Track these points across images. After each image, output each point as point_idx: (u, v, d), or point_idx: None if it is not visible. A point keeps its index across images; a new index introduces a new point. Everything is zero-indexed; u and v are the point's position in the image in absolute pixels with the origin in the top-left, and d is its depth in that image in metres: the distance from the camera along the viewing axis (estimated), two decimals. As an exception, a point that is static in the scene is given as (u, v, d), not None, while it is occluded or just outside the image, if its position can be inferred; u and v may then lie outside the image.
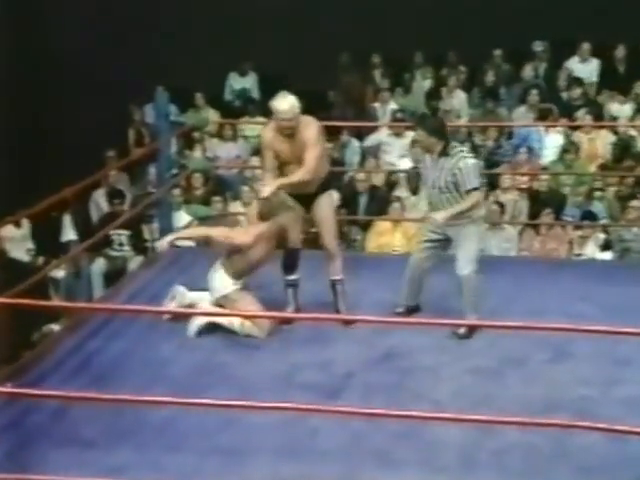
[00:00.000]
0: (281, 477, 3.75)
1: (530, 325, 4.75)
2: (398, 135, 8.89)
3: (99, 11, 9.98)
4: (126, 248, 7.50)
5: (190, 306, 5.10)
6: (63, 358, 4.77)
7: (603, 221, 7.44)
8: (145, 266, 6.46)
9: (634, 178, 7.86)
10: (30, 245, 7.61)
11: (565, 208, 7.71)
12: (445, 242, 5.09)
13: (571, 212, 7.62)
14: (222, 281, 4.95)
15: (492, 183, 8.19)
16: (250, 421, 4.02)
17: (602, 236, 7.23)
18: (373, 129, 9.22)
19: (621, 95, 9.20)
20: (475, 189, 4.92)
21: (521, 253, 7.32)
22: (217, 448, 3.91)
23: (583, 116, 8.74)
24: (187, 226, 7.20)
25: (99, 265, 7.32)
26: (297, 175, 4.96)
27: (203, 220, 7.18)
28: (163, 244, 5.18)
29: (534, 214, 7.63)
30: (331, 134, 8.46)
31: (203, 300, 5.08)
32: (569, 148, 8.29)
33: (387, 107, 9.57)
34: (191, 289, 5.19)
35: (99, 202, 8.42)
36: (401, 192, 8.01)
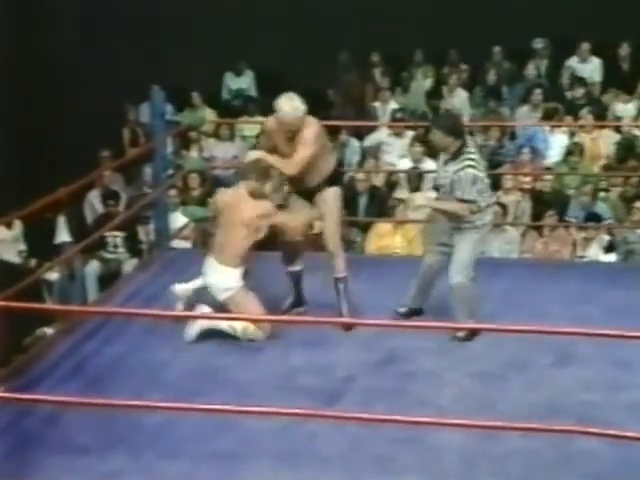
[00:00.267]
0: (279, 483, 3.75)
1: (532, 328, 4.76)
2: (398, 135, 8.90)
3: (95, 9, 9.98)
4: (121, 250, 7.51)
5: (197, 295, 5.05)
6: (57, 362, 4.77)
7: (607, 222, 7.44)
8: (140, 268, 6.47)
9: (639, 178, 7.87)
10: (22, 247, 7.60)
11: (568, 209, 7.72)
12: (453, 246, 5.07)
13: (575, 213, 7.63)
14: (227, 277, 4.93)
15: (494, 184, 8.20)
16: (248, 426, 4.01)
17: (606, 238, 7.23)
18: (373, 129, 9.23)
19: (626, 94, 9.21)
20: (465, 201, 4.85)
21: (523, 255, 7.32)
22: (214, 454, 3.91)
23: (585, 115, 8.75)
24: (183, 228, 7.20)
25: (93, 267, 7.32)
26: (281, 163, 4.95)
27: (199, 222, 7.18)
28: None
29: (537, 215, 7.63)
30: (330, 134, 8.48)
31: (202, 300, 5.07)
32: (573, 150, 8.29)
33: (387, 106, 9.58)
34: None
35: (93, 203, 8.42)
36: (402, 193, 8.02)
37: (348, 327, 4.99)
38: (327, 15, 9.92)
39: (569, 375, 4.60)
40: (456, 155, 4.87)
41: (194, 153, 9.03)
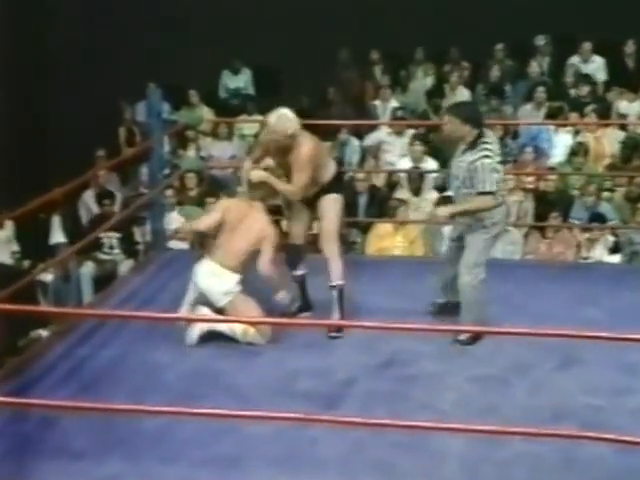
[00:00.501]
0: (279, 489, 3.77)
1: (535, 331, 4.77)
2: (399, 134, 8.91)
3: (92, 7, 9.98)
4: (116, 251, 7.52)
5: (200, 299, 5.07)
6: (52, 365, 4.78)
7: (612, 223, 7.45)
8: (136, 270, 6.48)
9: (644, 178, 7.89)
10: (15, 247, 7.61)
11: (572, 210, 7.73)
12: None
13: (578, 214, 7.64)
14: (227, 281, 4.94)
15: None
16: (247, 431, 4.02)
17: (611, 239, 7.25)
18: (373, 127, 9.24)
19: (631, 92, 9.23)
20: (487, 193, 4.82)
21: (526, 257, 7.33)
22: (213, 458, 3.91)
23: (588, 114, 8.76)
24: (180, 228, 7.21)
25: (89, 269, 7.33)
26: (284, 187, 5.04)
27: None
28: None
29: (540, 216, 7.64)
30: (330, 133, 8.50)
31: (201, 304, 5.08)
32: (578, 149, 8.30)
33: (388, 105, 9.59)
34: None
35: (88, 203, 8.42)
36: (402, 193, 8.03)
37: (333, 330, 5.01)
38: (326, 12, 9.94)
39: (573, 379, 4.61)
40: (473, 145, 4.85)
41: (191, 152, 9.04)
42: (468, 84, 9.79)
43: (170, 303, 5.27)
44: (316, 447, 3.98)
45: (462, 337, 4.93)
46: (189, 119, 7.35)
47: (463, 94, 9.62)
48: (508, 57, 9.97)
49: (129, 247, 7.52)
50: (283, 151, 5.01)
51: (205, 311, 4.98)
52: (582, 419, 4.14)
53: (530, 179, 8.15)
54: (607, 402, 4.36)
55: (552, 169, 8.41)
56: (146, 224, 7.33)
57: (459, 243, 5.07)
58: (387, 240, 7.37)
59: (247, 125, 9.47)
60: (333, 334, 5.01)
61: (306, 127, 5.12)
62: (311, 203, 5.17)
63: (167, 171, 7.28)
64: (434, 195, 7.99)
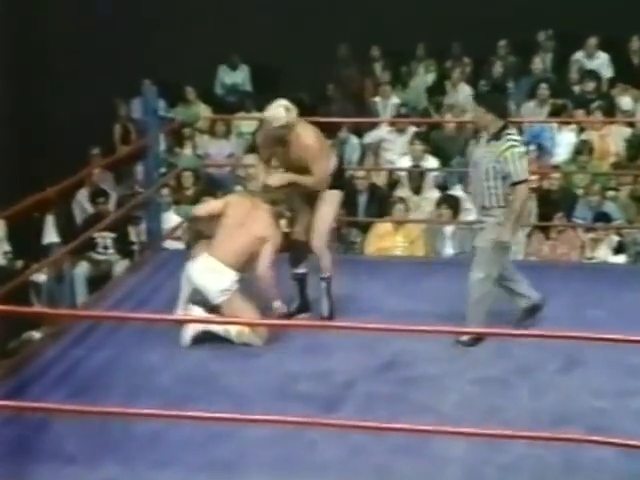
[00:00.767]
0: (276, 494, 3.76)
1: (539, 333, 4.77)
2: (400, 132, 8.90)
3: (85, 2, 9.98)
4: (111, 251, 7.50)
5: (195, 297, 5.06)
6: (45, 367, 4.77)
7: (616, 223, 7.44)
8: (131, 270, 6.47)
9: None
10: (6, 247, 7.59)
11: (576, 209, 7.72)
12: None
13: (583, 213, 7.63)
14: (225, 278, 4.93)
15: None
16: (244, 434, 4.02)
17: (615, 239, 7.24)
18: (373, 125, 9.23)
19: (636, 89, 9.22)
20: (523, 182, 4.85)
21: (529, 257, 7.32)
22: (209, 463, 3.91)
23: (594, 111, 8.75)
24: (176, 228, 7.20)
25: (83, 269, 7.32)
26: (306, 180, 5.09)
27: (193, 222, 7.16)
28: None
29: (543, 215, 7.63)
30: (330, 130, 8.49)
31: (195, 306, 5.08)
32: (582, 147, 8.28)
33: (388, 102, 9.59)
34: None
35: (82, 203, 8.42)
36: (403, 192, 8.02)
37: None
38: (325, 7, 9.93)
39: (577, 381, 4.61)
40: (497, 136, 4.88)
41: (188, 150, 9.03)
42: (470, 81, 9.78)
43: (166, 304, 5.27)
44: (315, 451, 3.97)
45: (464, 338, 4.93)
46: (186, 116, 7.34)
47: (465, 91, 9.62)
48: (511, 53, 9.96)
49: (124, 247, 7.51)
50: (282, 143, 5.04)
51: (199, 312, 4.97)
52: (586, 422, 4.13)
53: (533, 178, 8.13)
54: (611, 405, 4.36)
55: (556, 168, 8.40)
56: (141, 223, 7.32)
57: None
58: (387, 240, 7.36)
59: (245, 123, 9.46)
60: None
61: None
62: (313, 197, 5.19)
63: (163, 169, 7.27)
64: (435, 194, 7.98)
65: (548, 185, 8.03)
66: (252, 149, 8.90)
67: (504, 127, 4.90)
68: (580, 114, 8.71)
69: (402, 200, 7.53)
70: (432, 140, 8.77)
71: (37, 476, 3.83)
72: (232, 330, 4.92)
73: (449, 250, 7.38)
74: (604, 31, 9.53)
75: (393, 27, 9.72)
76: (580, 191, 7.90)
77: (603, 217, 7.39)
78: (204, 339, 4.94)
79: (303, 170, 5.09)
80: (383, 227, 7.46)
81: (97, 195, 7.87)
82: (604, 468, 3.82)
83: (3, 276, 5.82)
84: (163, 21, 10.06)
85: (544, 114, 9.00)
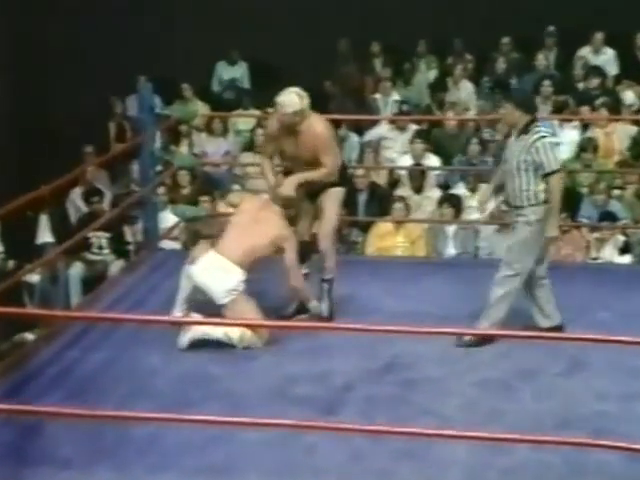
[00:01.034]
0: (274, 498, 3.76)
1: (543, 335, 4.78)
2: (401, 129, 8.90)
3: (85, 3, 9.97)
4: (106, 251, 7.50)
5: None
6: (38, 370, 4.78)
7: (622, 222, 7.45)
8: (127, 271, 6.48)
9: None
10: (-1, 247, 7.60)
11: (581, 208, 7.72)
12: None
13: (588, 213, 7.63)
14: (232, 277, 4.94)
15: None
16: (242, 438, 4.02)
17: (621, 238, 7.24)
18: (373, 123, 9.23)
19: (640, 85, 9.24)
20: (556, 171, 4.87)
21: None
22: (205, 467, 3.91)
23: (599, 108, 8.75)
24: (173, 228, 7.20)
25: (77, 269, 7.32)
26: (317, 174, 5.11)
27: (190, 221, 7.18)
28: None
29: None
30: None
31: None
32: (586, 145, 8.28)
33: (389, 99, 9.59)
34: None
35: (76, 202, 8.42)
36: (404, 191, 8.02)
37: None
38: (325, 2, 9.93)
39: (581, 384, 4.61)
40: (525, 130, 4.90)
41: (184, 149, 9.03)
42: (472, 77, 9.78)
43: (162, 305, 5.28)
44: (314, 455, 3.97)
45: (467, 337, 4.94)
46: (182, 113, 7.33)
47: (467, 87, 9.62)
48: (514, 50, 9.96)
49: (119, 247, 7.51)
50: (293, 132, 5.06)
51: (197, 318, 4.96)
52: (589, 425, 4.14)
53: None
54: (615, 408, 4.37)
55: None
56: (137, 223, 7.32)
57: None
58: (388, 240, 7.36)
59: (242, 120, 9.46)
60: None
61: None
62: (316, 194, 5.21)
63: (159, 168, 7.27)
64: (436, 193, 7.98)
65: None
66: (249, 147, 8.91)
67: (532, 121, 4.93)
68: (584, 111, 8.71)
69: (402, 199, 7.54)
70: (433, 138, 8.77)
71: (30, 481, 3.84)
72: (234, 336, 4.91)
73: (451, 250, 7.39)
74: (608, 27, 9.54)
75: (394, 22, 9.73)
76: (585, 190, 7.90)
77: (608, 216, 7.39)
78: (203, 342, 4.94)
79: (313, 161, 5.11)
80: (384, 227, 7.46)
81: (91, 194, 7.87)
82: (607, 472, 3.83)
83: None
84: (160, 18, 10.06)
85: (548, 111, 9.00)
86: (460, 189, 7.99)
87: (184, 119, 7.46)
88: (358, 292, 5.63)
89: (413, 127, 8.90)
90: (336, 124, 8.78)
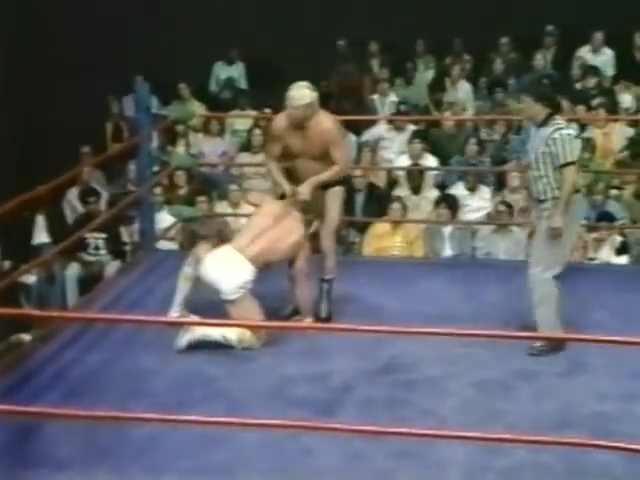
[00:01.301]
0: (272, 500, 3.76)
1: (541, 335, 4.77)
2: (399, 129, 8.90)
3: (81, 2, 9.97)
4: (103, 252, 7.50)
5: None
6: (34, 371, 4.76)
7: (620, 222, 7.45)
8: (123, 271, 6.47)
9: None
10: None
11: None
12: None
13: (585, 213, 7.62)
14: (244, 274, 4.93)
15: (499, 182, 8.21)
16: (239, 439, 4.01)
17: (619, 238, 7.24)
18: (371, 123, 9.23)
19: (638, 85, 9.23)
20: (571, 163, 4.82)
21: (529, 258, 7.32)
22: (203, 469, 3.90)
23: (597, 108, 8.75)
24: (169, 228, 7.19)
25: (74, 270, 7.31)
26: (331, 173, 5.14)
27: (187, 222, 7.17)
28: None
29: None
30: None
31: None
32: (584, 145, 8.28)
33: (386, 99, 9.59)
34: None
35: (73, 202, 8.41)
36: (402, 191, 8.02)
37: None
38: (322, 2, 9.93)
39: (580, 385, 4.61)
40: (544, 123, 4.88)
41: (181, 149, 9.03)
42: (470, 77, 9.79)
43: (159, 306, 5.27)
44: (312, 456, 3.97)
45: (536, 344, 4.85)
46: (179, 114, 7.32)
47: (465, 88, 9.63)
48: (512, 50, 9.97)
49: (116, 248, 7.50)
50: (301, 128, 5.08)
51: (195, 319, 4.95)
52: (589, 426, 4.13)
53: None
54: (616, 408, 4.37)
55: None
56: (134, 223, 7.31)
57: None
58: (385, 240, 7.36)
59: (239, 120, 9.46)
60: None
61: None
62: (314, 195, 5.21)
63: (156, 168, 7.27)
64: (434, 193, 7.98)
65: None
66: (246, 147, 8.91)
67: (552, 114, 4.90)
68: (580, 110, 8.72)
69: (400, 199, 7.54)
70: (431, 138, 8.77)
71: (26, 483, 3.83)
72: (233, 337, 4.90)
73: (447, 251, 7.39)
74: (607, 27, 9.55)
75: (392, 22, 9.73)
76: (582, 190, 7.89)
77: (606, 216, 7.39)
78: (200, 343, 4.93)
79: (320, 157, 5.13)
80: (381, 227, 7.46)
81: (88, 194, 7.86)
82: (607, 472, 3.83)
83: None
84: (158, 18, 10.05)
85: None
86: (459, 188, 8.00)
87: (181, 119, 7.44)
88: (356, 293, 5.62)
89: (411, 127, 8.90)
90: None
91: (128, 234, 7.57)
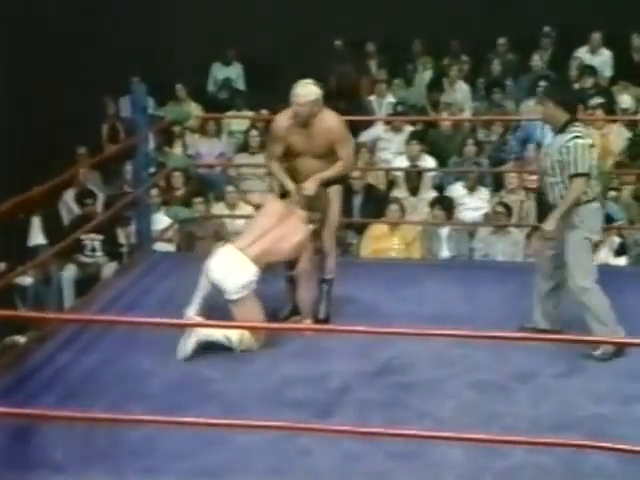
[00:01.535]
0: (269, 502, 3.76)
1: (539, 336, 4.78)
2: (397, 130, 8.90)
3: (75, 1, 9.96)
4: (99, 253, 7.50)
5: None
6: (30, 373, 4.76)
7: (618, 223, 7.45)
8: (120, 273, 6.47)
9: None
10: (-12, 249, 7.58)
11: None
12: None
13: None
14: (248, 273, 4.93)
15: (497, 182, 8.21)
16: (236, 441, 4.01)
17: (617, 240, 7.24)
18: (368, 124, 9.24)
19: (637, 86, 9.24)
20: (581, 175, 4.76)
21: (528, 259, 7.33)
22: (200, 470, 3.90)
23: (595, 109, 8.75)
24: (166, 230, 7.19)
25: (70, 272, 7.31)
26: (336, 170, 5.16)
27: (184, 223, 7.18)
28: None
29: (543, 215, 7.61)
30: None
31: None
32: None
33: (384, 100, 9.60)
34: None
35: (69, 203, 8.41)
36: (400, 193, 8.03)
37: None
38: (320, 2, 9.94)
39: (579, 386, 4.61)
40: (563, 129, 4.84)
41: (177, 150, 9.03)
42: (468, 78, 9.80)
43: (155, 307, 5.28)
44: (308, 458, 3.97)
45: (598, 352, 4.80)
46: (176, 115, 7.32)
47: (463, 89, 9.64)
48: (510, 51, 9.98)
49: (112, 249, 7.50)
50: (305, 125, 5.08)
51: (196, 320, 4.95)
52: (587, 428, 4.14)
53: (533, 177, 8.15)
54: (613, 410, 4.37)
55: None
56: (130, 225, 7.31)
57: (555, 252, 4.96)
58: (383, 242, 7.36)
59: (236, 121, 9.47)
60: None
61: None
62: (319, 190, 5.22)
63: (152, 169, 7.26)
64: (432, 194, 7.99)
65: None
66: (244, 148, 8.91)
67: (571, 120, 4.86)
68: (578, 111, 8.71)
69: (397, 201, 7.54)
70: (429, 139, 8.78)
71: (23, 485, 3.83)
72: (234, 337, 4.89)
73: (445, 252, 7.40)
74: (605, 28, 9.56)
75: (390, 22, 9.74)
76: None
77: (604, 218, 7.38)
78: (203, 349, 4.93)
79: (324, 155, 5.13)
80: (379, 228, 7.46)
81: (84, 196, 7.86)
82: (605, 474, 3.83)
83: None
84: (154, 18, 10.05)
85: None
86: (458, 188, 8.01)
87: (178, 120, 7.45)
88: (354, 294, 5.62)
89: (409, 128, 8.91)
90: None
91: (125, 235, 7.57)
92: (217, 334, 4.89)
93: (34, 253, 7.38)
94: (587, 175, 4.80)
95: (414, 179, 8.08)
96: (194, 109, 9.48)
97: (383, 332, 4.40)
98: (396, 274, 6.18)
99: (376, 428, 3.92)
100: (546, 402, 4.45)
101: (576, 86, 9.45)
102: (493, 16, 9.59)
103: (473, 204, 7.92)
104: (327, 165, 5.16)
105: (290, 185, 5.21)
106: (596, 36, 9.65)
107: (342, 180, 5.36)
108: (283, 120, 5.19)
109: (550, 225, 4.85)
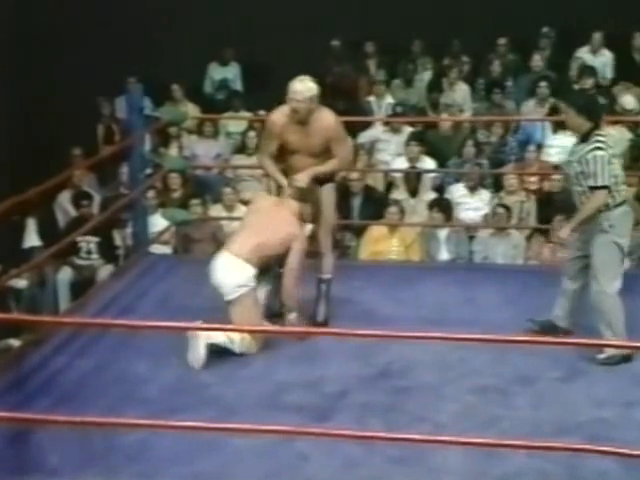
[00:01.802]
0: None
1: (540, 340, 4.78)
2: (396, 131, 8.91)
3: (70, 1, 9.97)
4: (95, 256, 7.50)
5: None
6: (25, 376, 4.75)
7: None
8: (116, 276, 6.46)
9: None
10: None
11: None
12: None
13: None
14: (242, 273, 4.93)
15: (497, 184, 8.22)
16: (232, 445, 4.01)
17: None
18: (367, 125, 9.24)
19: (638, 87, 9.25)
20: (600, 187, 4.75)
21: (529, 261, 7.34)
22: (195, 475, 3.90)
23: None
24: (163, 232, 7.19)
25: (65, 274, 7.31)
26: (331, 165, 5.17)
27: (180, 225, 7.18)
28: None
29: (544, 217, 7.64)
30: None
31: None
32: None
33: (383, 101, 9.60)
34: None
35: (65, 205, 8.41)
36: (399, 194, 8.03)
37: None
38: (319, 3, 9.94)
39: (579, 390, 4.62)
40: (586, 137, 4.82)
41: (174, 151, 9.03)
42: (468, 79, 9.80)
43: (151, 310, 5.27)
44: (306, 463, 3.97)
45: (602, 355, 4.80)
46: (173, 116, 7.32)
47: (463, 89, 9.64)
48: (510, 51, 9.99)
49: (108, 251, 7.50)
50: (301, 123, 5.08)
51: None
52: (588, 432, 4.14)
53: (533, 179, 8.16)
54: (614, 414, 4.37)
55: (557, 168, 8.41)
56: (127, 227, 7.31)
57: (582, 253, 4.97)
58: (382, 244, 7.37)
59: (233, 122, 9.46)
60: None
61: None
62: (310, 192, 5.22)
63: (149, 171, 7.27)
64: (432, 196, 7.99)
65: (549, 186, 8.05)
66: (241, 149, 8.92)
67: (594, 128, 4.83)
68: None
69: (396, 202, 7.54)
70: (428, 140, 8.79)
71: (17, 489, 3.83)
72: (236, 337, 4.88)
73: (443, 255, 7.40)
74: (606, 28, 9.57)
75: (389, 22, 9.74)
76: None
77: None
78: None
79: (320, 153, 5.14)
80: (378, 231, 7.46)
81: (80, 197, 7.87)
82: (605, 479, 3.83)
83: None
84: (151, 18, 10.05)
85: (544, 113, 9.02)
86: (459, 188, 8.01)
87: (174, 121, 7.45)
88: (352, 296, 5.63)
89: (408, 129, 8.91)
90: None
91: (121, 238, 7.57)
92: (220, 338, 4.88)
93: (29, 255, 7.38)
94: (607, 187, 4.78)
95: (413, 180, 8.09)
96: (191, 110, 9.47)
97: (382, 335, 4.41)
98: (395, 276, 6.18)
99: (374, 432, 3.92)
100: (546, 406, 4.46)
101: (576, 87, 9.46)
102: (493, 16, 9.59)
103: (474, 204, 7.93)
104: (322, 163, 5.16)
105: (282, 180, 5.21)
106: (597, 36, 9.66)
107: (334, 179, 5.34)
108: (280, 117, 5.18)
109: (565, 232, 4.90)
